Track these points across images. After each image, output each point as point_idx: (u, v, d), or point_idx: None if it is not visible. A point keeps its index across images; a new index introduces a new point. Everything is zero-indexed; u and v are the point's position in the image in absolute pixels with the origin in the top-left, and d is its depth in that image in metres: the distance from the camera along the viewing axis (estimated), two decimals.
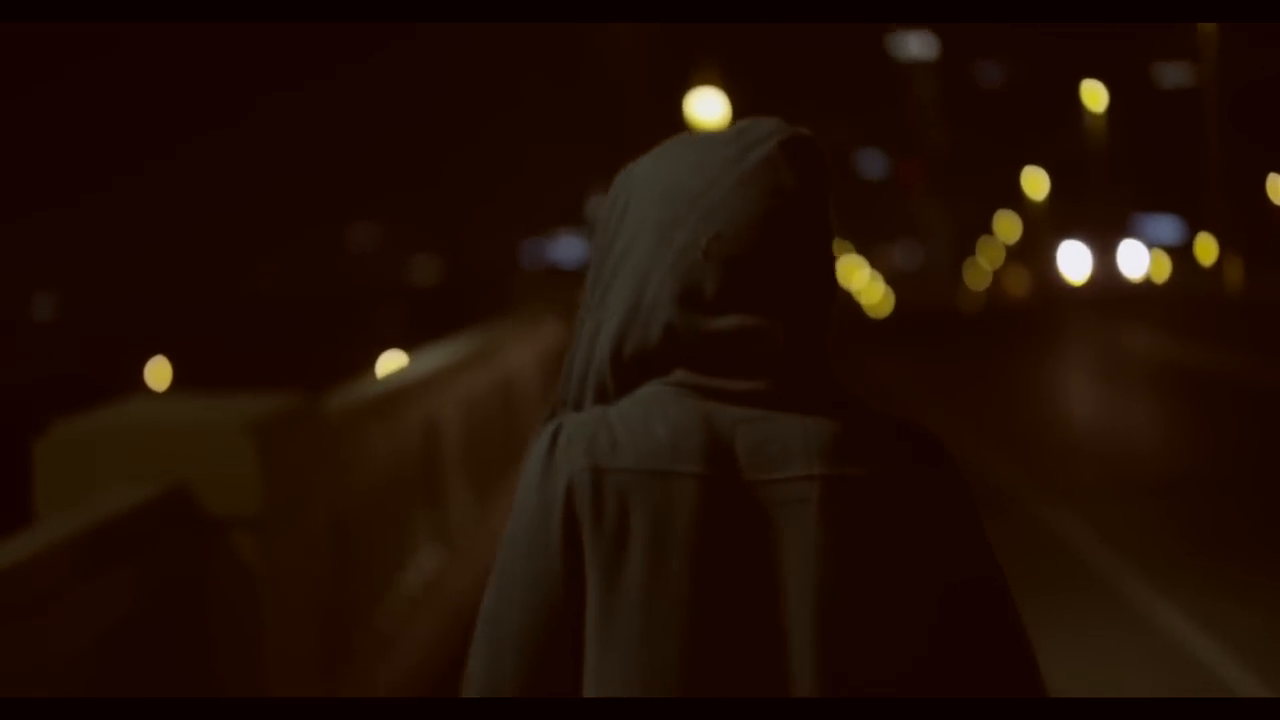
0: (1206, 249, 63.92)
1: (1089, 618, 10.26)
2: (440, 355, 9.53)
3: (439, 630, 7.46)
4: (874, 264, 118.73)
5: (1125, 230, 65.40)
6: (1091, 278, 58.72)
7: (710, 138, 2.30)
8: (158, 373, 64.86)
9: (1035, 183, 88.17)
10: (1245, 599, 10.50)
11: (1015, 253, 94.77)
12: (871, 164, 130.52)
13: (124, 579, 4.07)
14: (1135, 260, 31.49)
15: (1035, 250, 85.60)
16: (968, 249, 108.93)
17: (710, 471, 2.13)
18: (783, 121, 2.31)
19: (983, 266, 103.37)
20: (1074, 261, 29.00)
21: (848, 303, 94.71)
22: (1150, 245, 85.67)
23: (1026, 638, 2.24)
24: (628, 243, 2.27)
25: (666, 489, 2.12)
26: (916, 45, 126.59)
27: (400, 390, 7.41)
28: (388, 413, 6.99)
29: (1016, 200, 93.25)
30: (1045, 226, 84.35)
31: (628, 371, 2.24)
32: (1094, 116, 68.87)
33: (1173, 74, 73.92)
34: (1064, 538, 12.77)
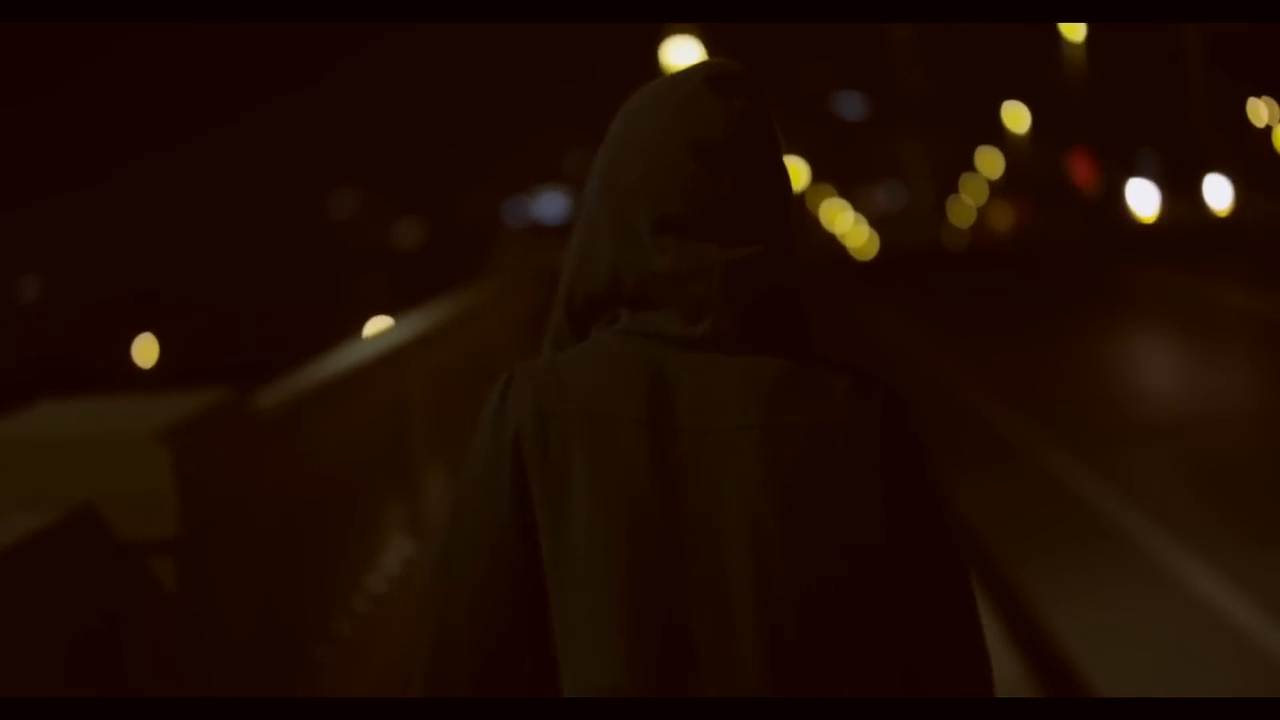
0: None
1: (1108, 574, 9.70)
2: (407, 327, 8.88)
3: (416, 633, 6.85)
4: (857, 206, 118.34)
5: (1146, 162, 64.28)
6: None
7: (655, 82, 2.34)
8: (145, 350, 65.11)
9: (1016, 117, 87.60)
10: (1273, 550, 9.92)
11: (999, 188, 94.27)
12: (850, 106, 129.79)
13: (17, 628, 3.45)
14: (1220, 194, 29.11)
15: (1022, 184, 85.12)
16: (950, 187, 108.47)
17: (651, 417, 2.15)
18: (724, 61, 2.31)
19: (967, 203, 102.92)
20: (1143, 199, 27.11)
21: (832, 246, 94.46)
22: (1134, 175, 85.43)
23: (971, 595, 2.23)
24: (587, 192, 2.31)
25: (608, 433, 2.15)
26: None
27: (360, 371, 6.75)
28: (345, 397, 6.35)
29: (998, 136, 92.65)
30: (1031, 160, 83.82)
31: (581, 318, 2.29)
32: (1073, 47, 68.22)
33: None
34: (1074, 488, 12.21)
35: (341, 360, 6.84)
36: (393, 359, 7.56)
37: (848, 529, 2.13)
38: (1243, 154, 52.83)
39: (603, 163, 2.28)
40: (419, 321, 9.34)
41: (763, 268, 2.18)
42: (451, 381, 9.24)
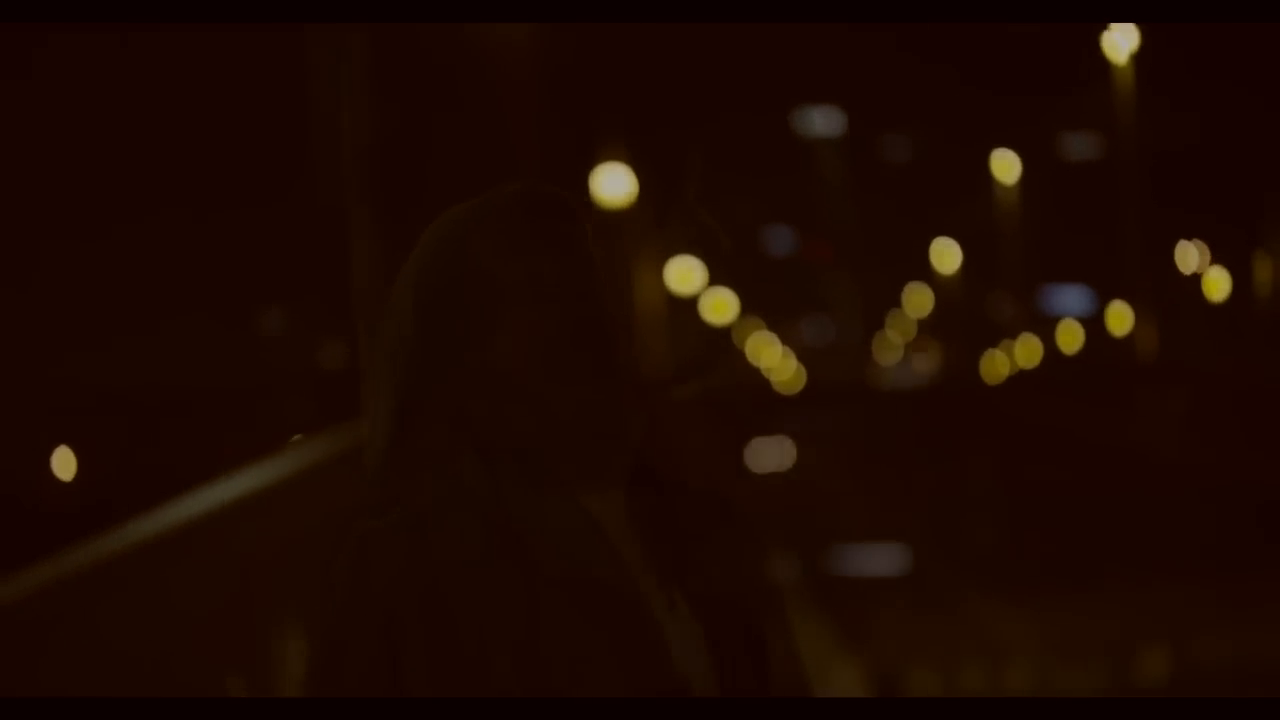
0: (1119, 318, 63.39)
1: None
2: (262, 473, 7.74)
3: None
4: (785, 340, 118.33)
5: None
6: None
7: (465, 209, 2.27)
8: (63, 462, 64.51)
9: (945, 255, 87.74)
10: None
11: (927, 326, 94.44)
12: (779, 241, 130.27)
13: None
14: None
15: (950, 323, 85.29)
16: (877, 323, 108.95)
17: (521, 560, 2.11)
18: (540, 182, 2.22)
19: (893, 341, 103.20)
20: None
21: (757, 379, 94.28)
22: (1060, 316, 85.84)
23: (801, 661, 2.28)
24: (398, 318, 2.29)
25: (486, 585, 2.09)
26: (822, 122, 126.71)
27: (180, 532, 5.63)
28: (149, 571, 5.24)
29: (927, 273, 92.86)
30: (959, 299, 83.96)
31: (411, 463, 2.19)
32: (1005, 189, 68.31)
33: (1081, 144, 73.57)
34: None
35: (157, 521, 5.69)
36: (232, 514, 6.44)
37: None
38: (1172, 298, 52.90)
39: (419, 291, 2.19)
40: (279, 466, 8.23)
41: (615, 404, 2.15)
42: (314, 536, 8.13)
